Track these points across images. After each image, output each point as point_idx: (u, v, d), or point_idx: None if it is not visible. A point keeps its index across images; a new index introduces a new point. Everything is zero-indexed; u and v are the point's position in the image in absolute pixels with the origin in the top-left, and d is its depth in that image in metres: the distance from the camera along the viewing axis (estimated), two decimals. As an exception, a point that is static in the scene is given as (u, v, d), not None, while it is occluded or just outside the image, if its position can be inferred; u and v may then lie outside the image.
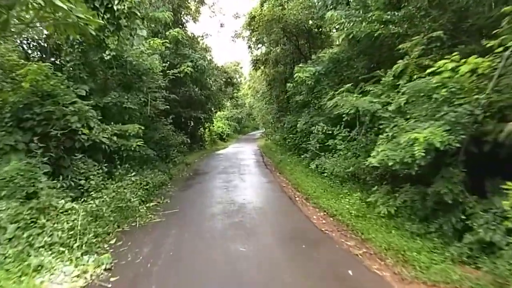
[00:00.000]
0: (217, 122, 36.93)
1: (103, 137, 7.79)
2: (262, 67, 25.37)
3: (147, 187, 8.92)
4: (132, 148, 8.65)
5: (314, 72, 10.75)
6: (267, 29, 18.25)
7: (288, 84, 15.63)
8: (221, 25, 26.07)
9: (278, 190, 9.99)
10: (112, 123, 9.07)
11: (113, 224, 6.35)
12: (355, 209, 6.42)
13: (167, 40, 14.01)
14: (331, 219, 6.79)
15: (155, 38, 12.64)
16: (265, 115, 37.44)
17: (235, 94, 31.53)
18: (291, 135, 16.24)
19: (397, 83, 7.02)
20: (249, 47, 26.25)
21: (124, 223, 6.74)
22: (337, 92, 8.12)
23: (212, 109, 27.83)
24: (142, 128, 9.14)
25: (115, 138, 8.16)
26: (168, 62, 14.47)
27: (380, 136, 6.50)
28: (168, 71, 13.52)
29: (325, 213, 7.12)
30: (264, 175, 12.87)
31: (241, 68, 45.29)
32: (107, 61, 8.89)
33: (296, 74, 11.12)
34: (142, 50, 10.09)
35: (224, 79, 29.63)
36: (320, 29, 19.19)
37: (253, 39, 21.95)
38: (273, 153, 18.57)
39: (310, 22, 18.89)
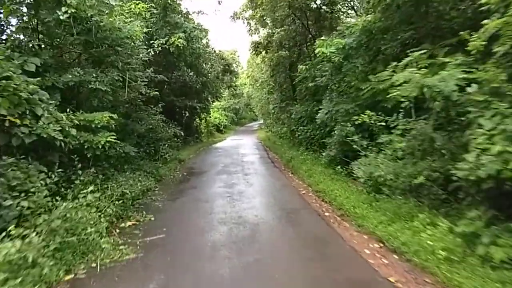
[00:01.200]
0: (214, 113, 34.35)
1: (55, 129, 5.25)
2: (263, 52, 22.79)
3: (123, 198, 6.43)
4: (100, 146, 6.12)
5: (343, 45, 8.21)
6: (272, 4, 15.62)
7: (300, 67, 13.11)
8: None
9: (298, 199, 7.58)
10: (80, 111, 6.56)
11: (57, 271, 3.90)
12: (442, 246, 3.99)
13: (152, 4, 11.30)
14: (395, 256, 4.38)
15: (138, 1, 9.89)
16: (265, 105, 34.91)
17: (233, 83, 28.85)
18: (301, 127, 13.78)
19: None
20: (250, 29, 23.70)
21: (80, 263, 4.30)
22: (393, 67, 5.60)
23: (209, 98, 25.24)
24: (114, 117, 6.59)
25: (73, 131, 5.64)
26: (155, 33, 11.77)
27: (478, 130, 4.08)
28: (153, 42, 10.85)
29: (382, 246, 4.71)
30: (273, 176, 10.46)
31: (238, 57, 42.60)
32: (65, 23, 6.27)
33: (318, 50, 8.56)
34: (116, 10, 7.45)
35: (221, 66, 26.95)
36: (332, 8, 16.64)
37: (257, 16, 19.24)
38: (279, 147, 16.11)
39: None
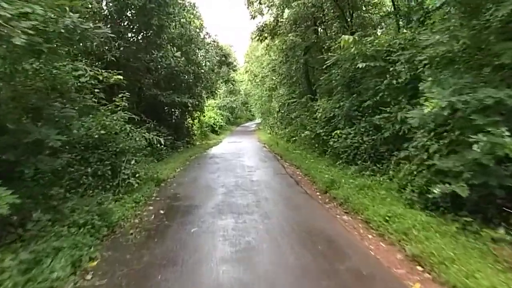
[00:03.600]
0: (208, 112, 29.57)
1: None
2: (268, 38, 18.14)
3: None
4: None
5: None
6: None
7: (344, 37, 8.51)
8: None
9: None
10: None
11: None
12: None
13: None
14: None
15: None
16: (266, 103, 30.24)
17: (231, 76, 24.07)
18: (339, 131, 9.18)
19: None
20: (252, 11, 19.07)
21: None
22: None
23: (203, 94, 20.45)
24: None
25: None
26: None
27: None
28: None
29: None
30: (317, 219, 5.71)
31: (234, 52, 37.78)
32: None
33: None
34: None
35: (217, 57, 22.16)
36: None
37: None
38: (298, 157, 11.41)
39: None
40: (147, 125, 13.67)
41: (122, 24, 10.43)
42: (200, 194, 7.35)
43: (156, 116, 17.17)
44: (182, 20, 13.55)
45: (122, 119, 7.51)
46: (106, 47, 9.03)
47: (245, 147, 18.15)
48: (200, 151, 16.37)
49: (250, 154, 14.43)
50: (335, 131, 9.09)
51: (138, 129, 7.69)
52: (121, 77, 7.46)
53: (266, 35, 17.84)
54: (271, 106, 27.36)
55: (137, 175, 7.30)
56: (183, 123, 19.55)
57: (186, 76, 17.02)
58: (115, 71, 7.58)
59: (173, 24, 11.22)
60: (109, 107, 7.20)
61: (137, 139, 7.45)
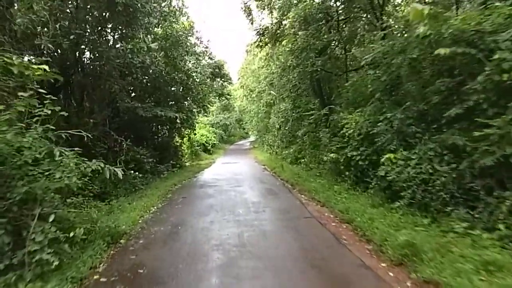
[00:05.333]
0: (200, 129, 26.37)
1: None
2: (270, 43, 15.28)
3: None
4: None
5: None
6: None
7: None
8: None
9: None
10: None
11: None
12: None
13: None
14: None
15: None
16: (263, 120, 27.23)
17: (225, 90, 21.02)
18: (397, 158, 6.05)
19: None
20: (250, 15, 16.32)
21: None
22: None
23: (193, 108, 17.30)
24: None
25: None
26: None
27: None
28: None
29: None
30: None
31: (228, 68, 35.01)
32: None
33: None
34: None
35: (210, 68, 19.18)
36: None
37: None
38: (318, 187, 8.16)
39: None
40: (119, 146, 10.57)
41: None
42: (181, 272, 4.02)
43: (136, 134, 13.97)
44: (164, 11, 10.56)
45: (45, 138, 4.23)
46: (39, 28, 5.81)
47: (243, 170, 14.87)
48: (188, 176, 13.02)
49: (252, 181, 11.16)
50: (387, 155, 5.93)
51: (74, 156, 4.33)
52: (47, 68, 4.25)
53: (267, 40, 14.96)
54: (269, 123, 24.34)
55: (59, 243, 3.94)
56: (170, 142, 16.29)
57: (173, 87, 13.91)
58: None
59: (151, 11, 7.96)
60: (8, 115, 3.86)
61: (68, 173, 4.10)
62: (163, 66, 10.00)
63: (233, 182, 10.83)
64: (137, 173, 9.67)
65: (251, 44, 19.48)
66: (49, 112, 4.13)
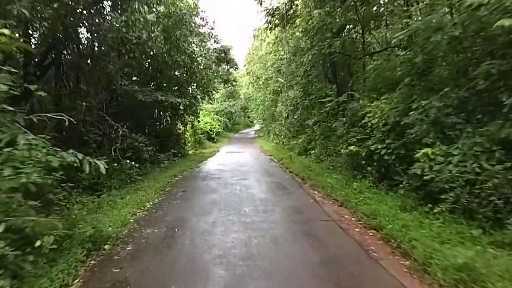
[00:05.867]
0: (204, 117, 25.44)
1: None
2: (280, 25, 14.15)
3: None
4: None
5: None
6: None
7: None
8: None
9: None
10: None
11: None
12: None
13: None
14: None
15: None
16: (269, 108, 26.17)
17: (231, 76, 19.93)
18: (435, 153, 5.04)
19: None
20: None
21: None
22: None
23: (197, 94, 16.34)
24: None
25: None
26: None
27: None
28: None
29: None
30: None
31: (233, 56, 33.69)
32: None
33: None
34: None
35: (216, 53, 18.09)
36: None
37: None
38: (334, 183, 7.20)
39: None
40: (115, 133, 9.67)
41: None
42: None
43: (135, 120, 13.06)
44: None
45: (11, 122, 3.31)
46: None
47: (248, 160, 13.97)
48: (191, 165, 12.14)
49: (258, 173, 10.26)
50: (423, 150, 4.94)
51: (42, 146, 3.38)
52: (6, 32, 3.28)
53: (277, 22, 13.81)
54: (276, 111, 23.30)
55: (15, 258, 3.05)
56: (173, 129, 15.38)
57: (176, 71, 12.89)
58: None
59: None
60: None
61: (32, 167, 3.15)
62: (162, 43, 8.92)
63: (238, 174, 9.93)
64: (133, 162, 8.77)
65: (259, 29, 18.32)
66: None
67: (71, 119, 4.87)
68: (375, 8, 8.66)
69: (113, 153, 8.83)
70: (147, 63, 11.60)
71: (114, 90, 10.90)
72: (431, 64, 6.13)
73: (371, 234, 4.74)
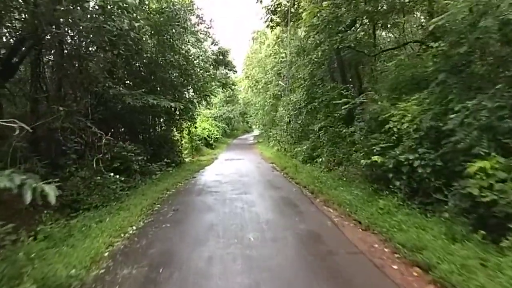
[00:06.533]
0: (202, 123, 24.35)
1: None
2: (282, 23, 13.12)
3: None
4: None
5: None
6: None
7: None
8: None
9: None
10: None
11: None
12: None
13: None
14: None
15: None
16: (269, 113, 25.09)
17: (229, 79, 18.83)
18: (494, 167, 3.89)
19: None
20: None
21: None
22: None
23: (194, 99, 15.27)
24: None
25: None
26: None
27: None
28: None
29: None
30: None
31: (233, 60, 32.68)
32: None
33: None
34: None
35: (213, 55, 17.04)
36: None
37: None
38: (353, 200, 6.07)
39: None
40: (100, 141, 8.51)
41: None
42: None
43: (126, 127, 11.95)
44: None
45: None
46: None
47: (249, 169, 12.81)
48: (186, 176, 10.96)
49: (261, 185, 9.11)
50: (479, 163, 3.82)
51: None
52: None
53: (278, 20, 12.77)
54: (276, 116, 22.20)
55: None
56: (168, 136, 14.23)
57: (170, 73, 11.79)
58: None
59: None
60: None
61: None
62: (149, 34, 7.79)
63: (238, 187, 8.77)
64: (118, 175, 7.61)
65: (258, 31, 17.27)
66: None
67: (25, 126, 3.75)
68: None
69: (94, 164, 7.67)
70: (136, 63, 10.48)
71: (101, 94, 9.80)
72: (471, 57, 5.05)
73: (415, 274, 3.59)
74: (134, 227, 5.31)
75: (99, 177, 7.59)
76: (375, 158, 5.61)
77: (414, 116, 5.31)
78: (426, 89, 5.83)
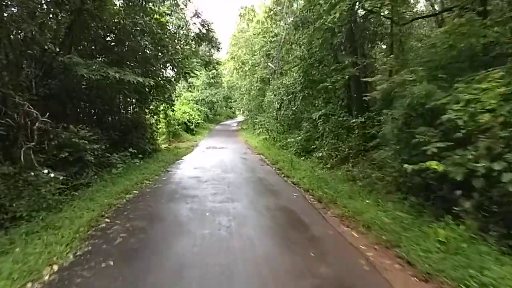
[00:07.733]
0: (182, 106, 21.92)
1: None
2: None
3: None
4: None
5: None
6: None
7: None
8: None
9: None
10: None
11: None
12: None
13: None
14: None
15: None
16: (256, 98, 22.92)
17: (212, 58, 16.40)
18: None
19: None
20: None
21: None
22: None
23: (172, 77, 12.90)
24: None
25: None
26: None
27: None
28: None
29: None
30: None
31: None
32: None
33: None
34: None
35: (194, 31, 14.48)
36: None
37: None
38: (397, 227, 4.17)
39: None
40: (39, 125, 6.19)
41: None
42: None
43: (84, 107, 9.58)
44: None
45: None
46: None
47: (234, 162, 10.75)
48: (157, 171, 8.76)
49: (251, 187, 7.07)
50: None
51: None
52: None
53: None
54: (264, 102, 20.08)
55: None
56: (139, 120, 11.84)
57: (140, 40, 9.36)
58: None
59: None
60: None
61: None
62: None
63: (222, 189, 6.70)
64: (52, 175, 5.36)
65: (246, 7, 14.90)
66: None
67: None
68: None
69: (22, 156, 5.38)
70: (97, 25, 8.04)
71: (50, 64, 7.39)
72: None
73: None
74: (53, 269, 3.16)
75: (32, 174, 5.37)
76: (432, 164, 3.68)
77: (499, 104, 3.40)
78: (488, 67, 3.95)
